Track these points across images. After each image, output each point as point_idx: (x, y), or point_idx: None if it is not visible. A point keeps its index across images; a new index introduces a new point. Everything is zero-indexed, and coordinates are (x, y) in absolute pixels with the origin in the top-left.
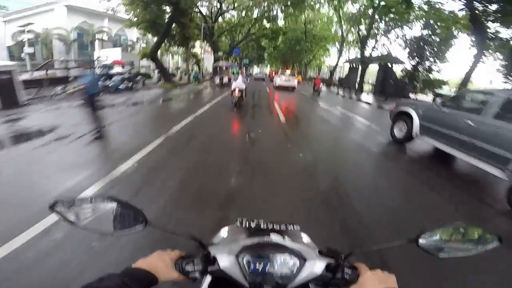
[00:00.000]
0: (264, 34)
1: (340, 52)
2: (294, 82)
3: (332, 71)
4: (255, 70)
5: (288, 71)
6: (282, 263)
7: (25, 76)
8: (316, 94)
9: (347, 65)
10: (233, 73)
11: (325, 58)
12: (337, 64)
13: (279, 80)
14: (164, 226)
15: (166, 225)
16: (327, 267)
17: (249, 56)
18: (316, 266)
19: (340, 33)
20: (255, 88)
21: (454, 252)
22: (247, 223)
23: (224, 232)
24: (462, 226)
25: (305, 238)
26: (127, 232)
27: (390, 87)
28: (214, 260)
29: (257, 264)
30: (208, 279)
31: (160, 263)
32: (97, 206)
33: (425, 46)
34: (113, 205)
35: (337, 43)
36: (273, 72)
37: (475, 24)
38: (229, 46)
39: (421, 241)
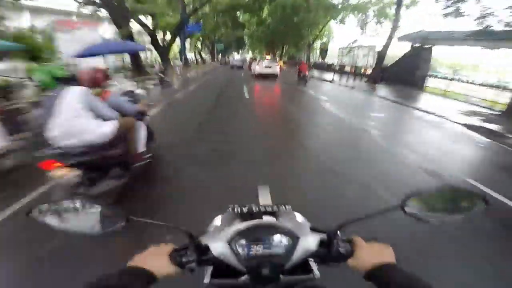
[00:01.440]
0: (240, 3)
1: (395, 21)
2: (275, 68)
3: (381, 56)
4: (236, 57)
5: (268, 56)
6: (276, 244)
7: None
8: (302, 84)
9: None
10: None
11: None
12: (388, 43)
13: (258, 68)
14: (149, 218)
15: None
16: (322, 243)
17: (225, 40)
18: (310, 242)
19: None
20: (225, 80)
21: (442, 217)
22: (239, 209)
23: (217, 221)
24: (448, 188)
25: (298, 216)
26: (110, 230)
27: None
28: (207, 249)
29: (251, 248)
30: (210, 268)
31: (155, 258)
32: (75, 208)
33: None
34: (91, 206)
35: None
36: (252, 60)
37: None
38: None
39: (407, 206)
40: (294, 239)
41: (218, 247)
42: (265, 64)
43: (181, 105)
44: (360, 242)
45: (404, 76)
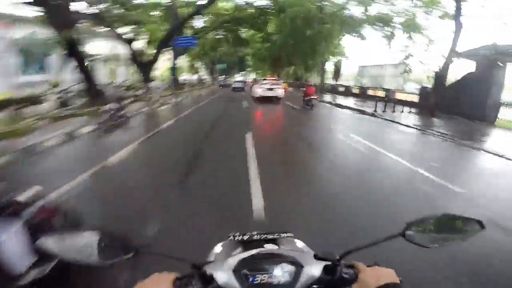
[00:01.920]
0: (243, 17)
1: (456, 32)
2: (279, 91)
3: (441, 78)
4: (238, 78)
5: (270, 78)
6: (281, 272)
7: None
8: (308, 109)
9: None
10: None
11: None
12: (449, 61)
13: (260, 90)
14: (156, 251)
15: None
16: (325, 269)
17: (226, 59)
18: (314, 270)
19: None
20: (224, 109)
21: (442, 241)
22: (240, 237)
23: (218, 248)
24: (446, 216)
25: (299, 243)
26: (117, 261)
27: None
28: (212, 278)
29: (256, 277)
30: None
31: (158, 287)
32: (81, 238)
33: None
34: (99, 237)
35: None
36: (253, 82)
37: None
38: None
39: (408, 233)
40: (298, 267)
41: (223, 276)
42: (267, 86)
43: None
44: (362, 266)
45: (466, 104)
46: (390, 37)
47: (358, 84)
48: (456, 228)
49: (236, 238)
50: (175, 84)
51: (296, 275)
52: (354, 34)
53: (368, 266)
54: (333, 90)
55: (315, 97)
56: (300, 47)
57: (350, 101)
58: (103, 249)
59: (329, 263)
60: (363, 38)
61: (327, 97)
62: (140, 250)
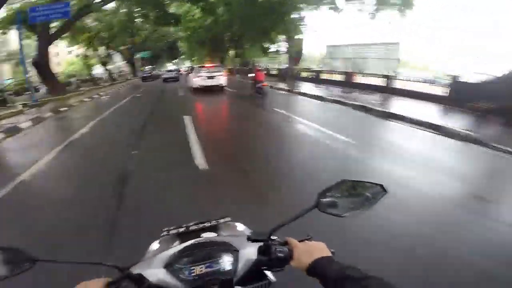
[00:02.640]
0: None
1: None
2: (221, 79)
3: None
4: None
5: (209, 64)
6: (217, 260)
7: None
8: (259, 98)
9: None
10: None
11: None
12: None
13: (198, 79)
14: (61, 258)
15: None
16: (260, 250)
17: (152, 45)
18: (249, 253)
19: None
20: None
21: (352, 208)
22: (175, 230)
23: (155, 245)
24: (348, 182)
25: (239, 226)
26: (16, 273)
27: None
28: (141, 278)
29: (192, 269)
30: None
31: None
32: None
33: None
34: None
35: None
36: (189, 71)
37: None
38: None
39: (321, 204)
40: (234, 252)
41: (154, 274)
42: (207, 74)
43: None
44: (294, 242)
45: None
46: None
47: (329, 68)
48: (362, 194)
49: (171, 232)
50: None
51: (234, 261)
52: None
53: (300, 241)
54: (295, 76)
55: (266, 84)
56: (252, 23)
57: (327, 91)
58: (4, 263)
59: (261, 244)
60: (337, 10)
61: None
62: (39, 259)
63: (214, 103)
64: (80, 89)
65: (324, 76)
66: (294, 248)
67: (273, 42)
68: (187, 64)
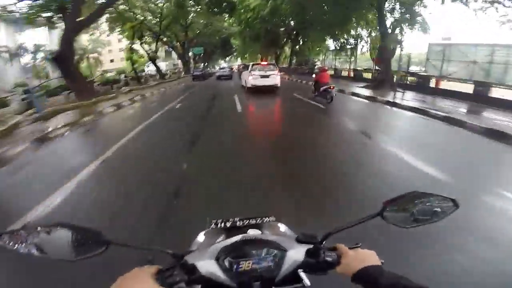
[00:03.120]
0: None
1: None
2: (275, 78)
3: None
4: (223, 65)
5: (263, 62)
6: (264, 258)
7: None
8: (323, 104)
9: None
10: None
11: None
12: None
13: (252, 79)
14: (130, 242)
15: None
16: (308, 253)
17: (206, 41)
18: (297, 254)
19: None
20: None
21: (417, 221)
22: (222, 223)
23: (201, 237)
24: (419, 194)
25: (282, 227)
26: (89, 256)
27: None
28: (194, 268)
29: (240, 263)
30: (198, 287)
31: (140, 281)
32: (49, 233)
33: None
34: (66, 231)
35: None
36: (242, 68)
37: None
38: None
39: (386, 214)
40: (282, 252)
41: (205, 265)
42: (261, 73)
43: None
44: (344, 249)
45: None
46: None
47: (434, 72)
48: (431, 207)
49: (219, 225)
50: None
51: (280, 260)
52: None
53: (350, 248)
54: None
55: (333, 87)
56: (322, 10)
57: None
58: (73, 243)
59: (311, 246)
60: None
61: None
62: (113, 243)
63: (270, 108)
64: (121, 89)
65: (431, 82)
66: (343, 254)
67: (346, 36)
68: (239, 62)
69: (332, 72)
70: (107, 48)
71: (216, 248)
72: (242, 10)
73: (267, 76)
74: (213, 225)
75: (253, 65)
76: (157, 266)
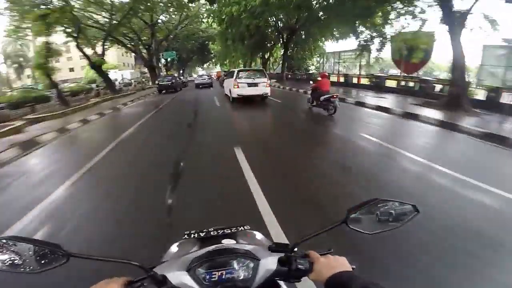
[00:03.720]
0: None
1: None
2: (264, 87)
3: None
4: (200, 72)
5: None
6: (237, 267)
7: None
8: (329, 113)
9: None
10: None
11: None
12: None
13: (238, 88)
14: (93, 254)
15: None
16: (280, 261)
17: (180, 46)
18: (270, 263)
19: None
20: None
21: (381, 227)
22: (196, 234)
23: (174, 248)
24: (380, 201)
25: (258, 235)
26: (50, 267)
27: None
28: (165, 280)
29: (213, 274)
30: None
31: None
32: (6, 246)
33: None
34: (23, 245)
35: None
36: (224, 75)
37: None
38: None
39: (350, 222)
40: (255, 261)
41: (177, 276)
42: (248, 80)
43: None
44: (316, 255)
45: None
46: None
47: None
48: (392, 213)
49: (192, 235)
50: None
51: (253, 269)
52: None
53: (322, 254)
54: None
55: (336, 95)
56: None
57: None
58: (33, 256)
59: (282, 254)
60: None
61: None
62: (74, 255)
63: (263, 120)
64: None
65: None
66: (315, 261)
67: (370, 31)
68: (218, 69)
69: (341, 79)
70: (66, 55)
71: (188, 258)
72: (225, 1)
73: (256, 84)
74: (185, 236)
75: (239, 71)
76: (126, 278)
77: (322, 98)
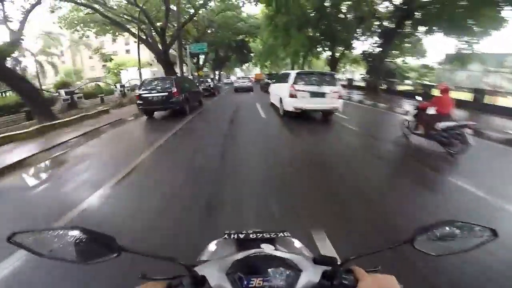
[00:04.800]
0: None
1: None
2: (333, 99)
3: None
4: (239, 74)
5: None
6: (277, 276)
7: None
8: (452, 153)
9: None
10: None
11: None
12: None
13: (297, 99)
14: (143, 250)
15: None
16: (324, 275)
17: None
18: (312, 275)
19: None
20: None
21: (450, 249)
22: (235, 235)
23: (212, 246)
24: (455, 223)
25: (297, 243)
26: (100, 261)
27: None
28: (204, 280)
29: (251, 280)
30: None
31: None
32: (62, 235)
33: None
34: (79, 234)
35: None
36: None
37: None
38: None
39: (416, 242)
40: (296, 272)
41: (216, 278)
42: (312, 88)
43: None
44: (362, 272)
45: None
46: None
47: None
48: (467, 236)
49: (232, 236)
50: None
51: (293, 280)
52: None
53: (368, 271)
54: None
55: (472, 124)
56: None
57: None
58: (86, 247)
59: (328, 268)
60: None
61: None
62: (125, 249)
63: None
64: None
65: None
66: (360, 278)
67: None
68: (256, 71)
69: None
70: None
71: (228, 261)
72: None
73: (323, 95)
74: (225, 236)
75: (299, 74)
76: (164, 281)
77: (441, 125)
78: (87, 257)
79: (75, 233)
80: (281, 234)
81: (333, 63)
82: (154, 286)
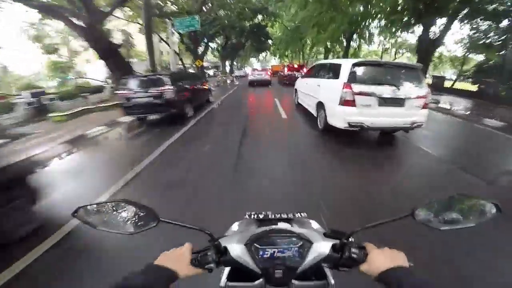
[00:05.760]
0: None
1: None
2: (415, 110)
3: None
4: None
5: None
6: (290, 248)
7: None
8: None
9: None
10: None
11: None
12: None
13: (356, 109)
14: (175, 221)
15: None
16: (334, 248)
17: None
18: (323, 247)
19: None
20: None
21: (454, 224)
22: (256, 215)
23: (235, 226)
24: (458, 197)
25: (313, 223)
26: (143, 230)
27: None
28: (226, 251)
29: (266, 250)
30: (227, 270)
31: (178, 258)
32: (113, 208)
33: None
34: (127, 207)
35: None
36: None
37: None
38: None
39: (417, 214)
40: (307, 243)
41: (236, 249)
42: (383, 90)
43: None
44: (372, 247)
45: None
46: None
47: None
48: (470, 210)
49: (252, 216)
50: None
51: (305, 251)
52: None
53: (379, 247)
54: None
55: None
56: None
57: None
58: (131, 219)
59: (337, 241)
60: None
61: None
62: (163, 220)
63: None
64: None
65: None
66: (370, 252)
67: None
68: (274, 62)
69: None
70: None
71: (247, 234)
72: None
73: (400, 103)
74: (246, 216)
75: (357, 65)
76: (192, 246)
77: None
78: (133, 228)
79: (122, 205)
80: (299, 214)
81: (427, 51)
82: (183, 249)
